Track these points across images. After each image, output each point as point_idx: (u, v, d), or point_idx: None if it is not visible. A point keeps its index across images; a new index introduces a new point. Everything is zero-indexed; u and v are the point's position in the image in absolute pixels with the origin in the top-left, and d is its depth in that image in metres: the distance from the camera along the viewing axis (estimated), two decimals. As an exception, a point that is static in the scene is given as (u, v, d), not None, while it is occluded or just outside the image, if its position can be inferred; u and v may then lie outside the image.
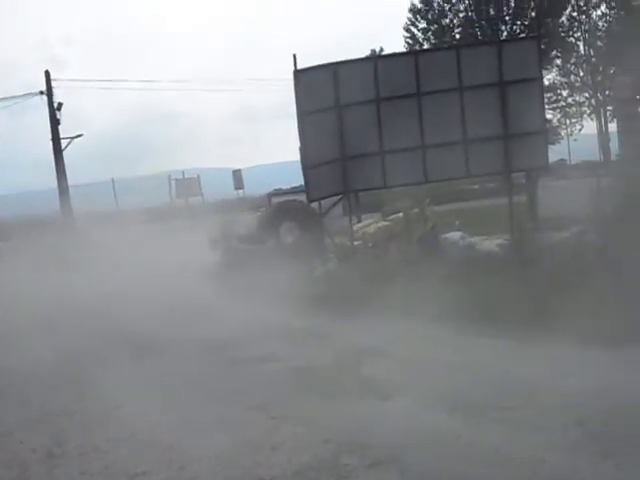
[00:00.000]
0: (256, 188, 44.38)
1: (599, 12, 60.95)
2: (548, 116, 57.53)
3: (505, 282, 12.68)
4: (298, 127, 17.08)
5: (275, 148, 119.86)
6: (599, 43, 59.37)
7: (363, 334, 12.17)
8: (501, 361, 9.38)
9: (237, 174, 51.28)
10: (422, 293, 13.42)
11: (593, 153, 53.01)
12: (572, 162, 54.21)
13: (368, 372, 9.67)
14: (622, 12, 58.77)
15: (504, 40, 41.50)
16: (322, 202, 20.61)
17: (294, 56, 17.00)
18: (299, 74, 17.08)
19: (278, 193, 27.26)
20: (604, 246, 11.95)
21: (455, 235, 18.56)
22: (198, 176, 54.63)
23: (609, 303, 10.25)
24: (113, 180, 48.81)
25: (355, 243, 18.56)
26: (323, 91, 17.11)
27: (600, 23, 60.64)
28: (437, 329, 11.80)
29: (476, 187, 37.55)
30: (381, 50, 54.08)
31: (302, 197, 19.00)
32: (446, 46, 46.64)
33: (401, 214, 20.81)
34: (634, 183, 12.53)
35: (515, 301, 11.54)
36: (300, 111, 17.05)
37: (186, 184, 52.83)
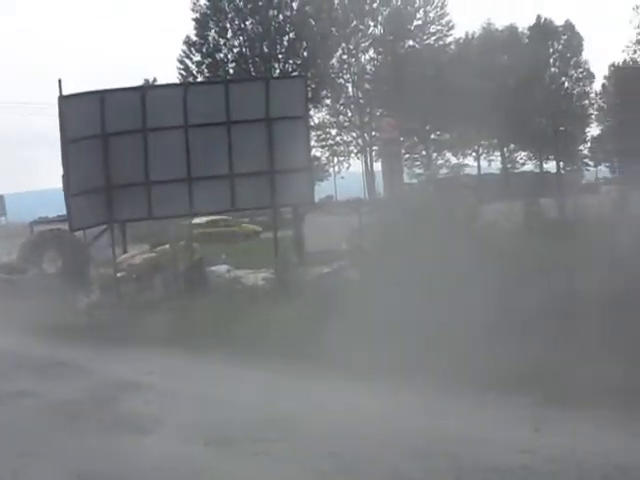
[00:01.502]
0: (20, 215, 42.72)
1: (367, 56, 63.62)
2: (317, 154, 59.27)
3: (268, 315, 12.81)
4: (62, 154, 16.58)
5: (43, 174, 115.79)
6: (367, 86, 61.81)
7: (124, 367, 11.93)
8: (263, 394, 9.43)
9: (-1, 200, 49.29)
10: (186, 325, 13.38)
11: (359, 190, 54.96)
12: (339, 199, 55.87)
13: (126, 406, 9.48)
14: (389, 57, 61.54)
15: (272, 77, 42.41)
16: (87, 231, 20.13)
17: (59, 81, 16.57)
18: (64, 100, 16.62)
19: (41, 221, 26.31)
20: (362, 281, 12.35)
21: (221, 268, 18.61)
22: (-43, 202, 52.05)
23: (365, 337, 10.56)
24: None
25: (119, 274, 18.19)
26: (89, 118, 16.72)
27: (368, 67, 63.20)
28: (201, 361, 11.79)
29: (246, 220, 37.93)
30: (154, 80, 53.72)
31: (67, 226, 18.44)
32: (218, 80, 47.02)
33: (167, 246, 20.62)
34: (392, 221, 13.04)
35: (278, 334, 11.67)
36: (64, 138, 16.56)
37: (-55, 208, 50.24)
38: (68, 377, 11.60)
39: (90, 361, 12.66)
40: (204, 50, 59.14)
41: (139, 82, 51.12)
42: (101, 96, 16.87)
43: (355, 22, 61.96)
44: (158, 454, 7.63)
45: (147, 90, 18.74)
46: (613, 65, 67.75)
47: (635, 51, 61.86)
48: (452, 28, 63.74)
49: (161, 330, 13.47)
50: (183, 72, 58.75)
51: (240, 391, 9.83)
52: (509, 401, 8.25)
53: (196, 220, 31.15)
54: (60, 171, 16.86)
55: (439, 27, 63.78)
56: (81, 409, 9.44)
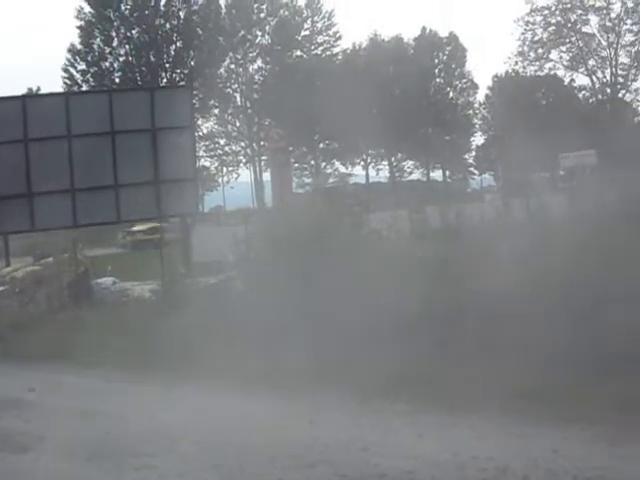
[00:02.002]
0: None
1: (255, 66, 63.74)
2: (206, 164, 59.06)
3: (154, 328, 12.68)
4: (-62, 165, 16.13)
5: None
6: (255, 95, 61.90)
7: (6, 384, 11.71)
8: (147, 407, 9.33)
9: None
10: (70, 339, 13.13)
11: (248, 200, 54.92)
12: (228, 209, 55.73)
13: (6, 424, 9.26)
14: (277, 67, 61.78)
15: (157, 87, 42.06)
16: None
17: None
18: (-56, 109, 16.18)
19: None
20: (248, 291, 12.37)
21: (107, 280, 18.34)
22: None
23: (250, 347, 10.58)
24: None
25: (1, 288, 17.74)
26: (-32, 128, 16.30)
27: (256, 76, 63.30)
28: (84, 376, 11.60)
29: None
30: (38, 89, 52.60)
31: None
32: (104, 89, 46.36)
33: (51, 258, 20.21)
34: (278, 231, 13.08)
35: (163, 347, 11.56)
36: (-56, 148, 16.12)
37: None
38: (-55, 396, 11.27)
39: (-30, 378, 12.34)
40: (89, 59, 58.25)
41: (22, 90, 50.18)
42: (-21, 105, 16.45)
43: (243, 32, 61.99)
44: (39, 472, 7.49)
45: (28, 99, 18.32)
46: (496, 76, 69.66)
47: (517, 62, 63.67)
48: (339, 38, 64.55)
49: (44, 345, 13.21)
50: (68, 81, 57.73)
51: (123, 405, 9.72)
52: (392, 408, 8.37)
53: (138, 227, 30.65)
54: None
55: (326, 37, 64.49)
56: (-41, 428, 9.18)
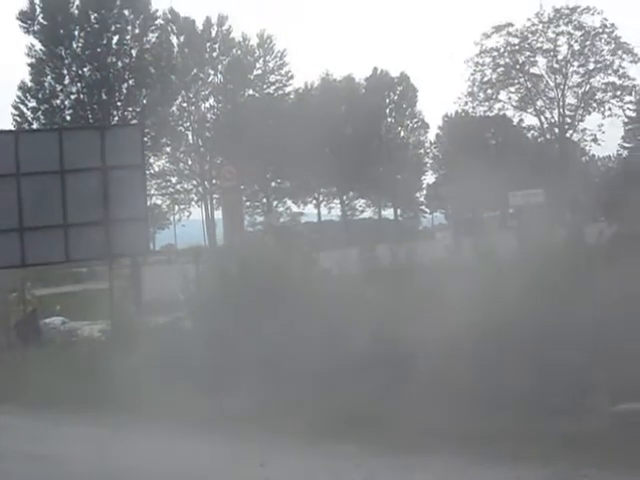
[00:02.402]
0: None
1: (208, 104, 63.86)
2: (157, 201, 58.89)
3: (103, 368, 12.54)
4: None
5: None
6: (207, 133, 61.98)
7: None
8: (96, 451, 9.22)
9: None
10: (16, 381, 12.97)
11: (200, 238, 54.73)
12: (180, 247, 55.51)
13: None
14: (229, 106, 62.00)
15: (108, 126, 41.90)
16: None
17: None
18: None
19: None
20: (196, 331, 12.31)
21: (56, 320, 18.17)
22: None
23: (200, 388, 10.53)
24: None
25: (-53, 328, 17.46)
26: None
27: (208, 115, 63.41)
28: (35, 419, 11.46)
29: (84, 270, 37.10)
30: (-16, 127, 52.26)
31: None
32: (55, 127, 46.12)
33: (-1, 297, 19.96)
34: (228, 270, 13.05)
35: (110, 388, 11.45)
36: None
37: None
38: None
39: None
40: (40, 96, 57.92)
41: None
42: None
43: (195, 70, 62.17)
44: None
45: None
46: (446, 115, 70.53)
47: (466, 102, 64.51)
48: (291, 78, 65.00)
49: (-10, 386, 13.02)
50: (18, 118, 57.33)
51: (72, 448, 9.61)
52: (342, 449, 8.35)
53: None
54: None
55: (279, 77, 64.89)
56: None
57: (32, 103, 58.11)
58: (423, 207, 74.60)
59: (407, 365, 9.44)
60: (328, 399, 9.26)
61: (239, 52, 63.83)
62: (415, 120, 71.04)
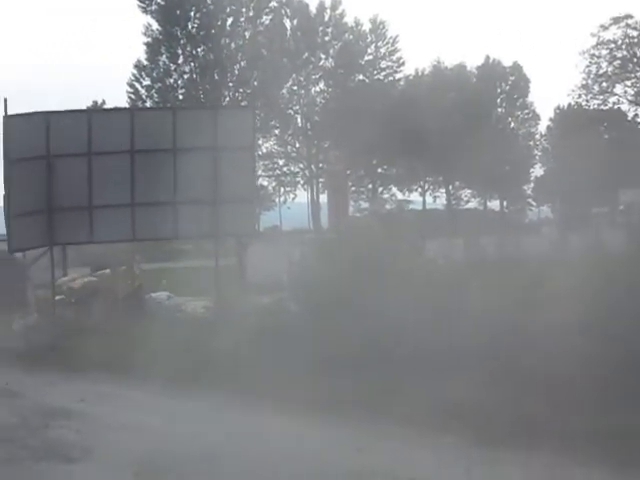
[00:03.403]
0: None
1: (318, 88, 63.98)
2: (264, 183, 59.34)
3: (206, 344, 12.74)
4: (4, 174, 16.40)
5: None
6: (316, 117, 62.10)
7: (57, 393, 11.81)
8: (195, 425, 9.37)
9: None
10: (122, 352, 13.25)
11: (304, 221, 55.03)
12: (284, 229, 55.88)
13: (56, 434, 9.37)
14: (338, 90, 61.99)
15: (221, 107, 42.39)
16: (27, 253, 19.86)
17: (5, 100, 16.41)
18: (9, 120, 16.45)
19: (-20, 240, 25.84)
20: (300, 313, 12.39)
21: (162, 295, 18.49)
22: None
23: (302, 370, 10.58)
24: None
25: (58, 298, 17.97)
26: (34, 139, 16.56)
27: (318, 99, 63.52)
28: (135, 390, 11.69)
29: (189, 247, 37.68)
30: (103, 102, 53.43)
31: (5, 246, 18.17)
32: (167, 105, 46.92)
33: (108, 270, 20.44)
34: (333, 253, 13.11)
35: (212, 364, 11.61)
36: (7, 158, 16.37)
37: None
38: (-1, 402, 11.46)
39: (23, 386, 12.51)
40: (154, 75, 58.96)
41: (88, 104, 51.07)
42: (47, 117, 16.72)
43: (307, 54, 62.32)
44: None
45: (94, 114, 18.63)
46: (558, 108, 69.08)
47: (580, 95, 63.07)
48: (402, 64, 64.53)
49: (96, 356, 13.34)
50: (132, 96, 58.50)
51: (173, 422, 9.76)
52: (442, 440, 8.28)
53: None
54: (1, 190, 16.67)
55: (390, 63, 64.49)
56: (11, 435, 9.31)
57: (146, 81, 59.21)
58: (530, 200, 73.29)
59: (512, 357, 9.31)
60: (431, 387, 9.19)
61: (351, 37, 63.67)
62: (526, 111, 69.71)
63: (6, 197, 16.47)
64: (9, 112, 16.54)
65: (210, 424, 9.48)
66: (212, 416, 9.95)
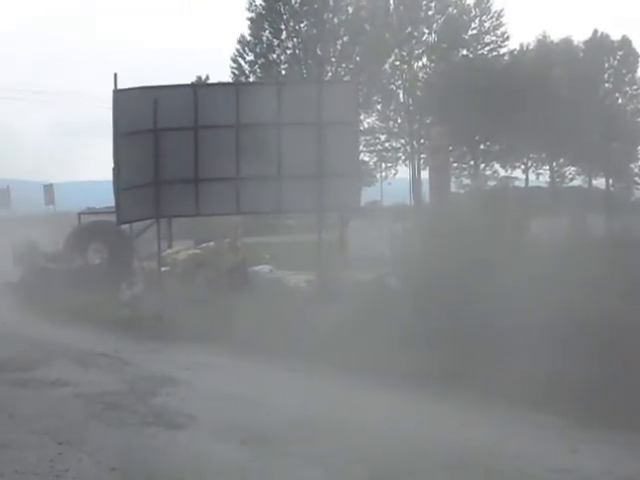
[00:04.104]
0: (68, 205, 43.05)
1: (420, 63, 63.43)
2: (365, 158, 59.22)
3: (309, 318, 12.83)
4: (113, 147, 16.74)
5: (90, 165, 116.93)
6: (418, 93, 61.61)
7: (163, 361, 12.08)
8: (299, 396, 9.47)
9: (49, 189, 49.73)
10: (226, 323, 13.47)
11: (405, 197, 54.73)
12: (385, 204, 55.68)
13: (163, 400, 9.59)
14: (441, 65, 61.33)
15: (325, 81, 42.44)
16: (133, 225, 20.33)
17: (115, 75, 16.74)
18: (119, 94, 16.79)
19: (89, 212, 26.58)
20: (403, 289, 12.35)
21: (264, 268, 18.66)
22: (8, 187, 52.64)
23: (405, 345, 10.59)
24: None
25: (163, 269, 18.35)
26: (142, 114, 16.86)
27: (420, 74, 62.97)
28: (238, 360, 11.88)
29: (290, 221, 37.96)
30: (207, 78, 54.03)
31: (113, 218, 18.61)
32: (270, 81, 47.16)
33: (212, 243, 20.79)
34: (436, 230, 13.02)
35: (314, 338, 11.71)
36: (117, 132, 16.72)
37: (-7, 193, 50.89)
38: (107, 368, 11.81)
39: (130, 353, 12.85)
40: (257, 50, 59.40)
41: (191, 79, 51.70)
42: (154, 92, 17.01)
43: (410, 29, 61.79)
44: (193, 450, 7.70)
45: (200, 88, 18.85)
46: (669, 84, 66.95)
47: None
48: (507, 39, 63.38)
49: (200, 326, 13.60)
50: (236, 71, 59.07)
51: (277, 392, 9.90)
52: (543, 419, 8.20)
53: None
54: (110, 163, 17.03)
55: (494, 38, 63.44)
56: (118, 401, 9.58)
57: (250, 57, 59.71)
58: (637, 179, 71.41)
59: (619, 335, 9.12)
60: (534, 363, 9.08)
61: (455, 11, 62.87)
62: (635, 87, 67.80)
63: (115, 170, 16.84)
64: (118, 87, 16.89)
65: (311, 395, 9.58)
66: (313, 387, 10.07)
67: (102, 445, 7.92)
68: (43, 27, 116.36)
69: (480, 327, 10.30)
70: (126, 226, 20.14)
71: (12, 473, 7.15)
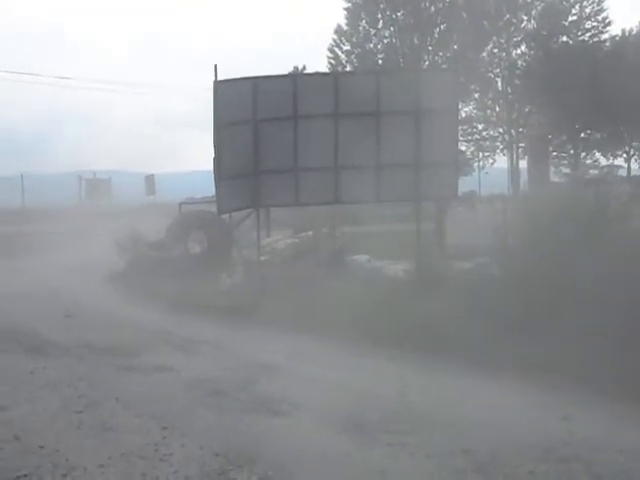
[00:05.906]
0: (168, 195, 43.91)
1: (519, 51, 62.39)
2: (462, 148, 58.57)
3: (410, 308, 12.78)
4: (214, 138, 16.92)
5: (190, 156, 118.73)
6: (517, 81, 60.67)
7: (264, 349, 12.19)
8: (400, 386, 9.41)
9: (150, 179, 50.76)
10: (327, 312, 13.51)
11: (502, 187, 54.02)
12: (482, 194, 55.09)
13: (264, 388, 9.67)
14: (541, 52, 60.26)
15: (423, 69, 42.17)
16: (233, 214, 20.56)
17: (215, 67, 16.88)
18: (219, 85, 16.95)
19: (189, 202, 27.02)
20: (505, 278, 12.19)
21: (362, 257, 18.67)
22: (110, 178, 53.90)
23: (508, 335, 10.46)
24: (22, 176, 47.88)
25: (262, 258, 18.51)
26: (241, 104, 17.00)
27: (519, 62, 61.97)
28: (339, 348, 11.92)
29: (386, 211, 37.85)
30: (304, 68, 54.20)
31: (213, 207, 18.86)
32: (370, 70, 47.09)
33: (311, 232, 20.88)
34: (536, 219, 12.81)
35: (414, 327, 11.66)
36: (217, 122, 16.89)
37: (97, 185, 52.13)
38: (209, 355, 11.97)
39: (231, 341, 13.01)
40: (354, 40, 59.30)
41: (288, 69, 51.99)
42: (254, 82, 17.12)
43: (508, 16, 60.83)
44: (294, 437, 7.76)
45: (298, 78, 18.90)
46: None
47: None
48: (608, 25, 61.77)
49: (299, 315, 13.66)
50: (332, 61, 59.08)
51: (378, 381, 9.89)
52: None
53: None
54: (209, 154, 17.23)
55: (595, 23, 61.96)
56: (221, 387, 9.69)
57: (346, 46, 59.63)
58: None
59: None
60: (633, 356, 8.88)
61: (554, -3, 61.70)
62: None
63: (216, 160, 17.03)
64: (218, 78, 17.05)
65: (412, 385, 9.51)
66: (414, 377, 10.00)
67: (205, 430, 8.04)
68: (140, 20, 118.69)
69: (582, 318, 10.10)
70: (225, 215, 20.36)
71: (119, 456, 7.32)
